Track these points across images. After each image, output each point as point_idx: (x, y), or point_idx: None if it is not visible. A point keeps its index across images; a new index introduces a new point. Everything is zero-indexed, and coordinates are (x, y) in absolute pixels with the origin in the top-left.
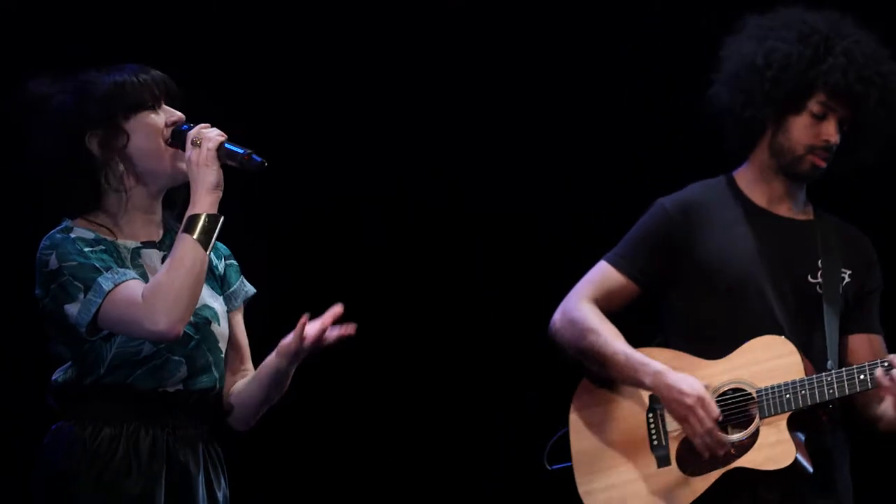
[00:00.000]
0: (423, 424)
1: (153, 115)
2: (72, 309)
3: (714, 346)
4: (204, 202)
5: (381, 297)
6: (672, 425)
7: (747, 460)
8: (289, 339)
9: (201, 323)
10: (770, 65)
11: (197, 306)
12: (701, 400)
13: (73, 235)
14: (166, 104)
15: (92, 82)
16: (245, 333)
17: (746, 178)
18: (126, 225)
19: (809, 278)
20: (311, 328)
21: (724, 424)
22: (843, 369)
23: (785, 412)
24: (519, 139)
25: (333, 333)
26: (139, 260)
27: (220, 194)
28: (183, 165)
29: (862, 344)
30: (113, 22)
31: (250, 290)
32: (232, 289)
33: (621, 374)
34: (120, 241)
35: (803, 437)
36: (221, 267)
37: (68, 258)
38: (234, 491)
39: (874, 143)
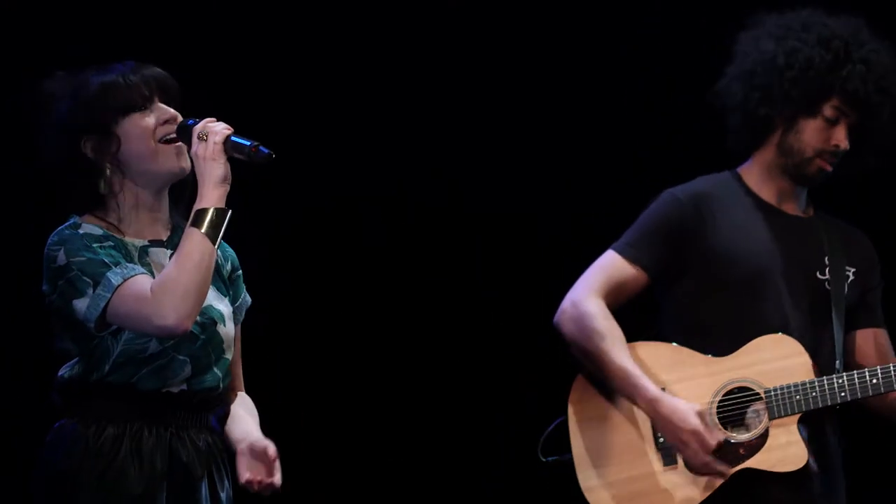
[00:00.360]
0: (423, 424)
1: (143, 117)
2: (80, 304)
3: (718, 341)
4: (211, 196)
5: (381, 297)
6: None
7: (759, 461)
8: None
9: (207, 323)
10: (791, 65)
11: (203, 306)
12: (695, 433)
13: (81, 231)
14: (162, 101)
15: (84, 85)
16: (240, 352)
17: (753, 175)
18: (132, 224)
19: (818, 275)
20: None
21: (730, 424)
22: (855, 372)
23: (795, 413)
24: (519, 139)
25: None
26: (147, 259)
27: (228, 188)
28: (185, 162)
29: (866, 339)
30: (113, 22)
31: (248, 299)
32: (238, 303)
33: (619, 389)
34: (128, 240)
35: (806, 435)
36: (228, 268)
37: (77, 253)
38: (237, 491)
39: (879, 149)
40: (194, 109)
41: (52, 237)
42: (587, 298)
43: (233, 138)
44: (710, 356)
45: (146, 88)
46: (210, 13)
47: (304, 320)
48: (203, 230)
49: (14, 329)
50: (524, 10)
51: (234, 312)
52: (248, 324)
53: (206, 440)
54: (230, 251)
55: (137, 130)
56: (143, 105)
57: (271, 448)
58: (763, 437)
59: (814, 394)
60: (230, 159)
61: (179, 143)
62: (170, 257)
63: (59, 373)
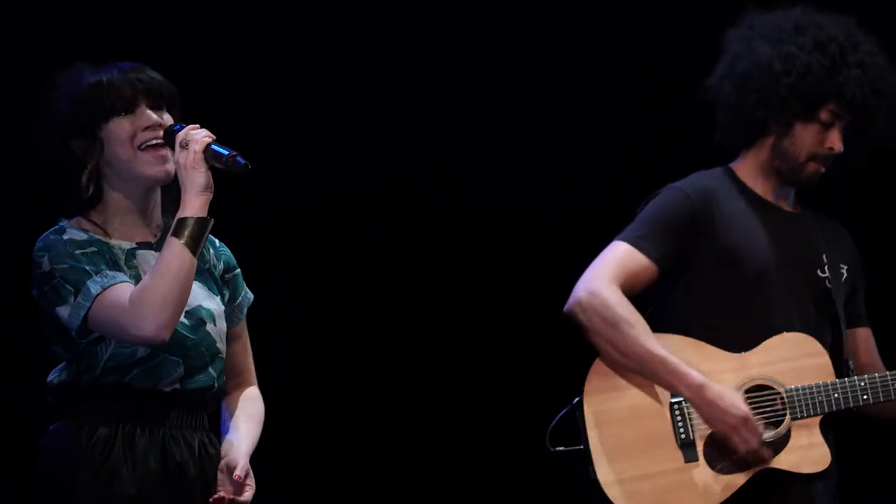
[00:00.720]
0: (424, 424)
1: (123, 122)
2: (63, 311)
3: (727, 337)
4: (193, 205)
5: (381, 297)
6: (700, 420)
7: (782, 461)
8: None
9: (197, 324)
10: (789, 71)
11: (192, 307)
12: (745, 420)
13: (65, 237)
14: (151, 106)
15: (77, 84)
16: (249, 347)
17: (747, 172)
18: (120, 226)
19: (819, 272)
20: None
21: None
22: (877, 375)
23: (817, 415)
24: (519, 139)
25: None
26: (134, 261)
27: (210, 196)
28: (169, 167)
29: (856, 338)
30: (113, 22)
31: (250, 296)
32: (237, 301)
33: (653, 377)
34: (114, 242)
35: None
36: (220, 268)
37: (60, 260)
38: None
39: (870, 149)
40: (194, 109)
41: (38, 242)
42: (607, 287)
43: (213, 147)
44: (729, 352)
45: (131, 92)
46: (211, 13)
47: (305, 320)
48: (183, 240)
49: (14, 329)
50: (524, 11)
51: (233, 310)
52: (248, 324)
53: (201, 440)
54: (224, 250)
55: (119, 135)
56: (126, 109)
57: (237, 471)
58: (785, 438)
59: (836, 395)
60: (211, 168)
61: (164, 150)
62: None
63: (49, 378)
